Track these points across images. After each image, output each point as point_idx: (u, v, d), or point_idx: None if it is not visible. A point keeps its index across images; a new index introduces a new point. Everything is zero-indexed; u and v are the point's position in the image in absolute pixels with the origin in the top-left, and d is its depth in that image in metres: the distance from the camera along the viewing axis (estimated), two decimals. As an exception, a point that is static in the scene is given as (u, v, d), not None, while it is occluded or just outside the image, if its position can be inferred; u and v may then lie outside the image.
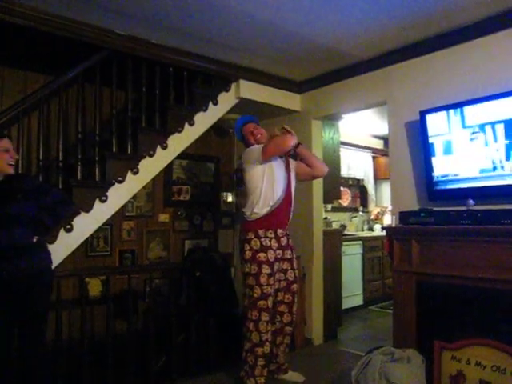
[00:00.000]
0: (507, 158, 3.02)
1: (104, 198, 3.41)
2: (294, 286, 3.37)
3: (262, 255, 3.15)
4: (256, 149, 3.29)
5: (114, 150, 3.60)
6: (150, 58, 3.72)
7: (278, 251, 3.23)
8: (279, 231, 3.26)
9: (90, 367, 3.33)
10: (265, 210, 3.21)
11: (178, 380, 3.56)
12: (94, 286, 4.23)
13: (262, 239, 3.18)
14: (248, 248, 3.19)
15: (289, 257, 3.34)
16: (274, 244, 3.21)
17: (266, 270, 3.13)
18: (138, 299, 4.34)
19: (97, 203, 3.38)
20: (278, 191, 3.25)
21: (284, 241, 3.30)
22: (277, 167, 3.30)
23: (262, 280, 3.12)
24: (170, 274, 4.12)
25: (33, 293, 2.57)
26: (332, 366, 3.81)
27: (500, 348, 2.76)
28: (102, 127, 3.63)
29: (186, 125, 3.91)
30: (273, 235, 3.22)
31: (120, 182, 3.51)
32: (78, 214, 3.27)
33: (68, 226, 3.21)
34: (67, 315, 3.73)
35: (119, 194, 3.54)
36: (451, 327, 3.02)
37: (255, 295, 3.13)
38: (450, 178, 3.34)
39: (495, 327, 2.82)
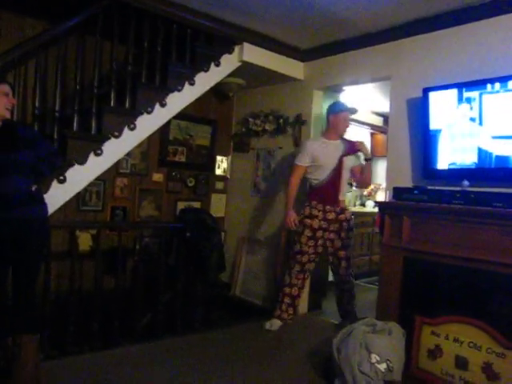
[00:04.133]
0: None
1: (99, 152, 3.38)
2: (341, 253, 3.92)
3: (307, 221, 3.83)
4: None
5: (112, 103, 3.54)
6: (153, 12, 3.63)
7: (322, 222, 3.82)
8: (327, 207, 3.84)
9: (77, 320, 3.37)
10: (314, 186, 3.93)
11: (163, 337, 3.63)
12: (84, 240, 4.23)
13: (313, 209, 3.84)
14: (302, 212, 3.88)
15: (335, 229, 3.88)
16: (321, 215, 3.82)
17: (307, 232, 3.82)
18: (128, 256, 4.36)
19: (91, 156, 3.35)
20: (323, 174, 3.85)
21: (331, 215, 3.85)
22: (328, 156, 3.86)
23: (303, 239, 3.82)
24: (161, 233, 4.13)
25: (28, 241, 2.56)
26: (314, 335, 3.88)
27: (478, 326, 2.82)
28: (101, 80, 3.57)
29: (186, 84, 3.85)
30: (321, 208, 3.84)
31: (116, 136, 3.47)
32: (72, 165, 3.24)
33: (61, 177, 3.18)
34: (56, 267, 3.74)
35: (114, 149, 3.51)
36: (434, 304, 3.07)
37: (295, 249, 3.89)
38: (447, 157, 3.34)
39: (476, 306, 2.87)
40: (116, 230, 4.03)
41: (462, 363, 2.86)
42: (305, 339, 3.75)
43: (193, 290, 3.96)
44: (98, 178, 3.64)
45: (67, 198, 3.31)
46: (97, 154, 3.37)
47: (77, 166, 3.28)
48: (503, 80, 3.05)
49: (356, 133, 7.08)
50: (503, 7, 3.19)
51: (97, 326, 3.43)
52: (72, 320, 3.34)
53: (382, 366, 2.76)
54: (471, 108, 3.20)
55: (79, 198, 4.24)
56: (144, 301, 3.73)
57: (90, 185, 3.82)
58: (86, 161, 3.32)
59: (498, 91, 3.08)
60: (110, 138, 3.44)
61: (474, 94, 3.18)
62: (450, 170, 3.34)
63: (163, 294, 3.78)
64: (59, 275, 3.81)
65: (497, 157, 3.11)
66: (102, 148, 3.40)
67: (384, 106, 6.41)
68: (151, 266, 4.09)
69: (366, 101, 6.45)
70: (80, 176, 3.33)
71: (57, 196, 3.18)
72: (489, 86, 3.12)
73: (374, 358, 2.79)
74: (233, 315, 4.38)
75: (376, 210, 6.54)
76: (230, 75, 4.30)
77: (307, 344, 3.61)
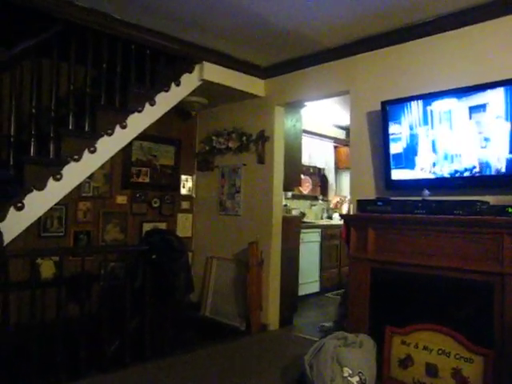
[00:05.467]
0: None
1: (58, 176, 3.28)
2: None
3: None
4: None
5: (70, 127, 3.46)
6: (111, 34, 3.60)
7: None
8: None
9: (40, 352, 3.23)
10: None
11: (132, 364, 3.51)
12: (47, 268, 4.09)
13: None
14: None
15: None
16: None
17: None
18: (93, 282, 4.24)
19: (51, 181, 3.25)
20: None
21: None
22: None
23: None
24: (126, 257, 4.03)
25: None
26: (286, 351, 3.85)
27: (445, 333, 2.89)
28: (58, 103, 3.49)
29: (147, 105, 3.82)
30: None
31: (76, 160, 3.39)
32: (30, 191, 3.14)
33: (19, 204, 3.07)
34: (16, 298, 3.59)
35: (75, 173, 3.42)
36: (402, 313, 3.11)
37: None
38: (407, 169, 3.42)
39: (443, 313, 2.94)
40: (79, 255, 3.91)
41: (432, 370, 2.90)
42: (278, 356, 3.72)
43: (161, 312, 3.86)
44: (59, 203, 3.54)
45: (26, 226, 3.19)
46: (56, 179, 3.27)
47: (35, 192, 3.17)
48: (454, 93, 3.17)
49: (321, 146, 7.21)
50: (448, 25, 3.34)
51: (62, 357, 3.29)
52: (35, 352, 3.20)
53: (355, 379, 2.76)
54: (426, 120, 3.30)
55: (40, 225, 4.11)
56: (111, 327, 3.61)
57: (51, 210, 3.70)
58: (44, 186, 3.22)
59: (448, 99, 3.20)
60: (69, 162, 3.36)
61: (430, 106, 3.28)
62: (409, 180, 3.41)
63: (131, 319, 3.67)
64: (20, 306, 3.65)
65: (454, 166, 3.19)
66: (62, 172, 3.31)
67: (346, 119, 6.56)
68: (118, 291, 3.97)
69: (328, 115, 6.57)
70: (39, 202, 3.22)
71: (15, 224, 3.07)
72: (439, 98, 3.24)
73: (347, 371, 2.79)
74: (204, 336, 4.30)
75: (342, 222, 6.67)
76: (191, 94, 4.29)
77: (280, 361, 3.58)
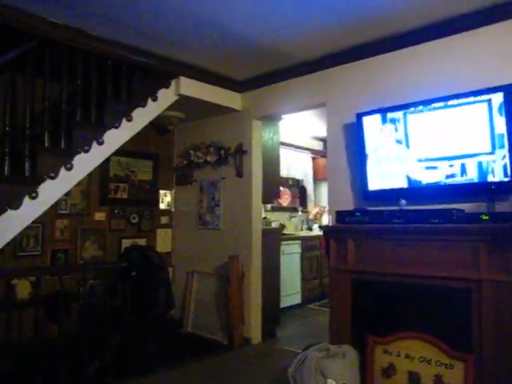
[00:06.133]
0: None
1: (34, 195, 3.23)
2: None
3: None
4: None
5: (46, 144, 3.41)
6: (86, 50, 3.58)
7: None
8: None
9: (17, 377, 3.14)
10: None
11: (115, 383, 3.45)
12: (23, 288, 4.00)
13: None
14: None
15: None
16: None
17: None
18: (72, 301, 4.15)
19: (26, 200, 3.19)
20: None
21: None
22: None
23: None
24: (105, 274, 3.97)
25: None
26: (270, 365, 3.84)
27: (426, 340, 2.92)
28: (33, 120, 3.44)
29: (124, 120, 3.80)
30: None
31: (52, 178, 3.34)
32: (5, 211, 3.08)
33: (-7, 224, 3.01)
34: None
35: (51, 191, 3.37)
36: (384, 323, 3.14)
37: None
38: (383, 179, 3.47)
39: (423, 321, 2.97)
40: (57, 274, 3.84)
41: (414, 379, 2.92)
42: (262, 370, 3.70)
43: (142, 330, 3.81)
44: (35, 221, 3.47)
45: (1, 246, 3.13)
46: (32, 198, 3.22)
47: (10, 212, 3.10)
48: (426, 103, 3.25)
49: (299, 158, 7.27)
50: (421, 38, 3.43)
51: (42, 379, 3.20)
52: (12, 374, 3.10)
53: (339, 391, 2.76)
54: (400, 131, 3.37)
55: (15, 244, 4.02)
56: (92, 346, 3.54)
57: (27, 229, 3.62)
58: (20, 205, 3.15)
59: (420, 111, 3.28)
60: (45, 180, 3.31)
61: (405, 116, 3.35)
62: (386, 190, 3.46)
63: (111, 337, 3.60)
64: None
65: (429, 175, 3.25)
66: (38, 190, 3.25)
67: (323, 130, 6.62)
68: (98, 309, 3.90)
69: (305, 127, 6.64)
70: (14, 221, 3.15)
71: (-11, 244, 3.00)
72: (412, 109, 3.31)
73: (331, 383, 2.79)
74: (186, 352, 4.24)
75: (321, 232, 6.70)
76: (168, 109, 4.29)
77: (265, 375, 3.56)
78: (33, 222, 3.40)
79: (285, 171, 6.76)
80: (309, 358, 2.94)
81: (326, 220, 7.22)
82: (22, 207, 3.17)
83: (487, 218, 2.77)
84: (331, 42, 3.67)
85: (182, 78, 4.19)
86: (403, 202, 3.21)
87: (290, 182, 7.37)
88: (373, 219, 3.26)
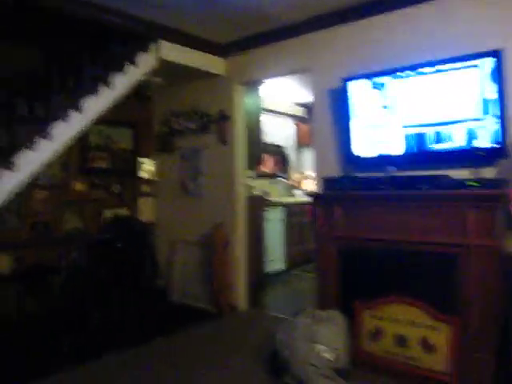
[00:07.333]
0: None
1: (11, 166, 3.10)
2: None
3: None
4: None
5: (22, 112, 3.26)
6: (60, 12, 3.37)
7: None
8: None
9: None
10: None
11: (97, 357, 3.41)
12: (3, 262, 3.90)
13: None
14: None
15: None
16: None
17: None
18: (53, 274, 4.08)
19: (3, 172, 3.07)
20: None
21: None
22: None
23: None
24: (89, 247, 3.90)
25: None
26: (257, 331, 3.88)
27: (412, 304, 2.98)
28: (6, 87, 3.27)
29: (103, 86, 3.64)
30: None
31: (30, 148, 3.21)
32: (-18, 183, 2.96)
33: (-30, 198, 2.89)
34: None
35: (29, 162, 3.24)
36: (371, 288, 3.18)
37: None
38: (369, 145, 3.45)
39: (409, 285, 3.02)
40: (39, 247, 3.75)
41: (401, 341, 2.99)
42: (249, 337, 3.73)
43: (128, 301, 3.78)
44: (13, 193, 3.35)
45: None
46: (10, 169, 3.09)
47: (-13, 184, 2.99)
48: (413, 68, 3.21)
49: (281, 124, 7.19)
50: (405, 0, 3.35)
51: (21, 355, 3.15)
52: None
53: (329, 356, 2.80)
54: (387, 96, 3.32)
55: (-7, 217, 3.90)
56: (77, 319, 3.51)
57: (5, 201, 3.50)
58: (-4, 177, 3.04)
59: (408, 76, 3.23)
60: (23, 150, 3.17)
61: (392, 81, 3.30)
62: (373, 157, 3.44)
63: (95, 310, 3.57)
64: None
65: (417, 142, 3.24)
66: (15, 161, 3.12)
67: (306, 96, 6.56)
68: (81, 282, 3.85)
69: (288, 93, 6.53)
70: (-9, 194, 3.04)
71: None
72: (399, 74, 3.26)
73: (320, 348, 2.82)
74: (174, 321, 4.24)
75: (304, 199, 6.71)
76: (148, 74, 4.13)
77: (253, 342, 3.60)
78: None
79: (267, 137, 6.67)
80: (297, 323, 2.96)
81: (307, 186, 7.24)
82: (-1, 179, 3.05)
83: (476, 184, 2.78)
84: (317, 3, 3.55)
85: (163, 42, 4.03)
86: (390, 168, 3.20)
87: (272, 149, 7.30)
88: (360, 186, 3.26)
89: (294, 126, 7.60)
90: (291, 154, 7.61)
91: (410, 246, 3.01)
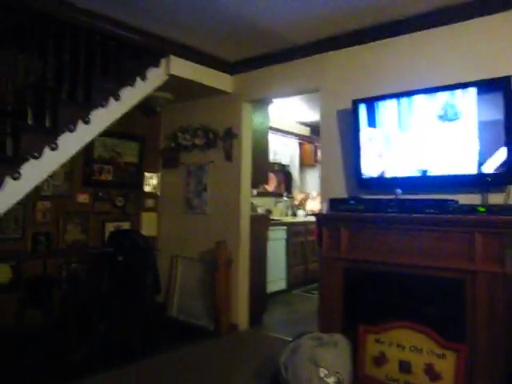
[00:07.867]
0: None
1: (16, 175, 3.08)
2: None
3: None
4: None
5: (29, 122, 3.25)
6: (74, 24, 3.40)
7: None
8: None
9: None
10: None
11: (100, 371, 3.35)
12: (2, 273, 3.85)
13: None
14: None
15: None
16: None
17: None
18: (54, 286, 4.03)
19: (8, 181, 3.05)
20: None
21: None
22: None
23: None
24: (90, 259, 3.86)
25: None
26: (258, 352, 3.81)
27: (418, 329, 2.92)
28: (16, 97, 3.27)
29: (112, 99, 3.65)
30: None
31: (36, 158, 3.19)
32: (-14, 192, 2.93)
33: (-26, 206, 2.86)
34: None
35: (34, 172, 3.21)
36: (376, 312, 3.12)
37: None
38: (378, 167, 3.43)
39: (416, 311, 2.97)
40: (39, 259, 3.71)
41: (405, 367, 2.92)
42: (250, 358, 3.66)
43: (129, 315, 3.72)
44: (16, 203, 3.32)
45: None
46: (15, 178, 3.07)
47: (-9, 192, 2.96)
48: (424, 91, 3.20)
49: (285, 143, 7.19)
50: (415, 25, 3.38)
51: (24, 367, 3.09)
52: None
53: (332, 380, 2.74)
54: (398, 120, 3.31)
55: (-5, 226, 3.87)
56: (77, 332, 3.44)
57: (8, 210, 3.48)
58: (0, 186, 3.01)
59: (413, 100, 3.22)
60: (28, 160, 3.15)
61: (401, 105, 3.30)
62: (382, 178, 3.42)
63: (97, 324, 3.51)
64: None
65: (426, 165, 3.22)
66: (20, 171, 3.10)
67: (310, 116, 6.58)
68: (81, 295, 3.80)
69: (293, 112, 6.55)
70: (-4, 203, 3.02)
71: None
72: (405, 98, 3.26)
73: (323, 371, 2.77)
74: (172, 338, 4.17)
75: (307, 219, 6.68)
76: (157, 89, 4.14)
77: (253, 363, 3.52)
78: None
79: (271, 156, 6.67)
80: (301, 346, 2.91)
81: (310, 206, 7.21)
82: (4, 188, 3.02)
83: (483, 209, 2.76)
84: (328, 26, 3.58)
85: (173, 58, 4.05)
86: (398, 191, 3.17)
87: (276, 167, 7.29)
88: (367, 208, 3.23)
89: (299, 146, 7.60)
90: (295, 173, 7.60)
91: (417, 269, 2.97)
